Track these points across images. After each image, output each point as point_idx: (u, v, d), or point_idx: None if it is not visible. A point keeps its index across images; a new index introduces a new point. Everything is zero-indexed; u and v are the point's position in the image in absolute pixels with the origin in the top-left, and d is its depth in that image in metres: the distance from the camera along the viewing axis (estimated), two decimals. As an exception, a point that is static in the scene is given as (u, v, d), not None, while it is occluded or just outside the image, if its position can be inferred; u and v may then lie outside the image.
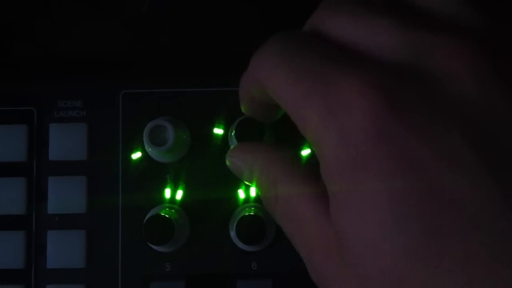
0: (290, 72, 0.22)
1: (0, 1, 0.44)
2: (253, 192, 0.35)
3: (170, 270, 0.35)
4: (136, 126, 0.35)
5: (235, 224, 0.33)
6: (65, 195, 0.35)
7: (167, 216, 0.32)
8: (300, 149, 0.33)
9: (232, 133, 0.33)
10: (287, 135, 0.32)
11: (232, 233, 0.34)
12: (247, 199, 0.35)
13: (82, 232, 0.35)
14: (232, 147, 0.27)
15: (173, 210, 0.34)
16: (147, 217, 0.34)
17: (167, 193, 0.35)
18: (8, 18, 0.44)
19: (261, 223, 0.32)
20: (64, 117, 0.36)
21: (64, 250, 0.35)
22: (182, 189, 0.35)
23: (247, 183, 0.27)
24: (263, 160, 0.25)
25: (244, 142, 0.31)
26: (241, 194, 0.35)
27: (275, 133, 0.35)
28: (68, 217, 0.35)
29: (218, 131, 0.35)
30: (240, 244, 0.34)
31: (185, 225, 0.34)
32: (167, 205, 0.35)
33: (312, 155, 0.33)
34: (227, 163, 0.28)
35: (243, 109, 0.28)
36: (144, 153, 0.35)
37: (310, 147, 0.33)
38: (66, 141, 0.35)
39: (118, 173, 0.35)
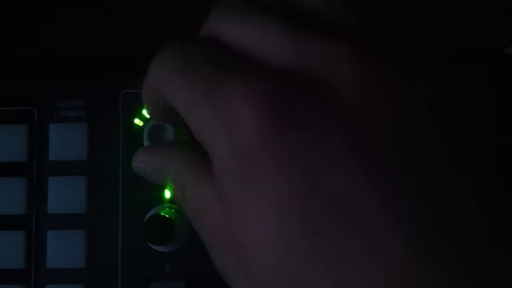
0: (183, 79, 0.23)
1: (0, 1, 0.44)
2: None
3: (170, 270, 0.35)
4: (136, 126, 0.35)
5: (235, 224, 0.33)
6: (65, 195, 0.35)
7: (167, 216, 0.32)
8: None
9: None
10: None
11: (232, 233, 0.34)
12: (247, 199, 0.35)
13: (82, 232, 0.35)
14: (136, 152, 0.28)
15: (173, 210, 0.34)
16: (147, 217, 0.34)
17: (167, 193, 0.35)
18: (9, 18, 0.44)
19: (261, 223, 0.32)
20: (64, 117, 0.36)
21: (64, 250, 0.35)
22: (182, 189, 0.35)
23: (158, 184, 0.28)
24: (168, 160, 0.26)
25: (148, 145, 0.32)
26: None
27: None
28: (68, 217, 0.35)
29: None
30: (240, 244, 0.34)
31: (185, 225, 0.34)
32: (167, 205, 0.35)
33: None
34: (134, 169, 0.29)
35: (147, 113, 0.29)
36: None
37: None
38: (66, 141, 0.35)
39: (118, 173, 0.35)
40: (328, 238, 0.19)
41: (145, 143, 0.34)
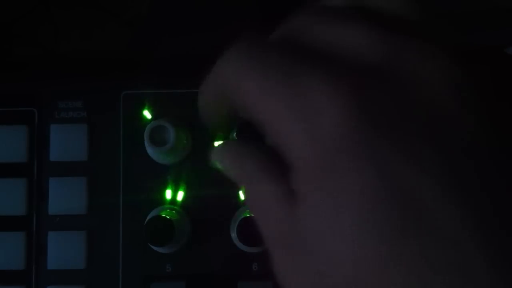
0: (260, 72, 0.22)
1: (0, 1, 0.44)
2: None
3: (170, 271, 0.35)
4: (137, 127, 0.35)
5: (236, 225, 0.33)
6: (65, 196, 0.35)
7: (168, 217, 0.32)
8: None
9: (234, 135, 0.33)
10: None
11: (233, 235, 0.34)
12: (248, 200, 0.35)
13: (82, 233, 0.35)
14: (215, 148, 0.27)
15: (174, 211, 0.34)
16: (148, 218, 0.34)
17: (168, 194, 0.35)
18: (9, 18, 0.44)
19: (262, 224, 0.32)
20: (65, 117, 0.36)
21: (65, 251, 0.35)
22: (183, 190, 0.35)
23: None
24: (235, 155, 0.25)
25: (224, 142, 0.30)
26: (242, 195, 0.35)
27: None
28: (68, 218, 0.35)
29: (220, 132, 0.35)
30: (240, 246, 0.34)
31: (186, 226, 0.34)
32: (168, 206, 0.35)
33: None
34: (212, 163, 0.27)
35: (202, 113, 0.27)
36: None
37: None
38: (66, 142, 0.35)
39: (119, 174, 0.35)
40: (407, 246, 0.18)
41: (146, 144, 0.34)
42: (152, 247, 0.34)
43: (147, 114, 0.35)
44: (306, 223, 0.20)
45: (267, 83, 0.21)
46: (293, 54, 0.22)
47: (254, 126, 0.32)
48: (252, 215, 0.24)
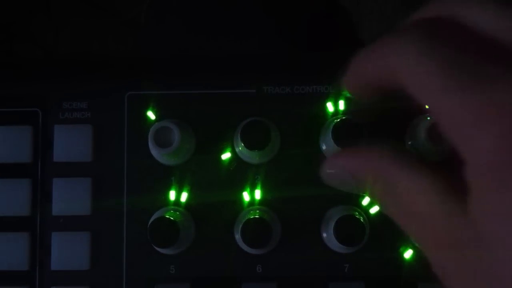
0: (438, 62, 0.20)
1: (0, 1, 0.44)
2: (258, 195, 0.35)
3: (175, 272, 0.35)
4: (141, 128, 0.35)
5: (240, 227, 0.33)
6: (70, 197, 0.35)
7: (172, 218, 0.32)
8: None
9: (238, 135, 0.33)
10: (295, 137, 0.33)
11: (237, 236, 0.34)
12: (252, 201, 0.35)
13: (86, 234, 0.35)
14: (330, 157, 0.25)
15: (178, 213, 0.34)
16: (152, 219, 0.34)
17: (172, 195, 0.35)
18: (9, 18, 0.44)
19: (266, 226, 0.32)
20: (69, 118, 0.35)
21: (69, 252, 0.34)
22: (187, 191, 0.35)
23: (352, 189, 0.25)
24: (378, 155, 0.23)
25: (344, 148, 0.28)
26: (246, 196, 0.35)
27: (280, 136, 0.35)
28: (72, 219, 0.35)
29: (224, 133, 0.35)
30: (245, 247, 0.34)
31: (190, 227, 0.34)
32: (172, 207, 0.35)
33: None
34: (325, 176, 0.26)
35: (348, 90, 0.26)
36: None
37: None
38: (71, 143, 0.35)
39: (123, 175, 0.35)
40: None
41: (150, 145, 0.34)
42: (156, 248, 0.34)
43: (151, 115, 0.35)
44: (483, 222, 0.19)
45: (450, 82, 0.20)
46: (472, 47, 0.20)
47: (259, 126, 0.32)
48: (399, 214, 0.22)
